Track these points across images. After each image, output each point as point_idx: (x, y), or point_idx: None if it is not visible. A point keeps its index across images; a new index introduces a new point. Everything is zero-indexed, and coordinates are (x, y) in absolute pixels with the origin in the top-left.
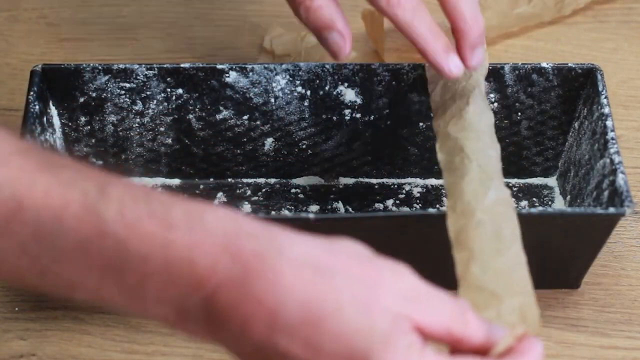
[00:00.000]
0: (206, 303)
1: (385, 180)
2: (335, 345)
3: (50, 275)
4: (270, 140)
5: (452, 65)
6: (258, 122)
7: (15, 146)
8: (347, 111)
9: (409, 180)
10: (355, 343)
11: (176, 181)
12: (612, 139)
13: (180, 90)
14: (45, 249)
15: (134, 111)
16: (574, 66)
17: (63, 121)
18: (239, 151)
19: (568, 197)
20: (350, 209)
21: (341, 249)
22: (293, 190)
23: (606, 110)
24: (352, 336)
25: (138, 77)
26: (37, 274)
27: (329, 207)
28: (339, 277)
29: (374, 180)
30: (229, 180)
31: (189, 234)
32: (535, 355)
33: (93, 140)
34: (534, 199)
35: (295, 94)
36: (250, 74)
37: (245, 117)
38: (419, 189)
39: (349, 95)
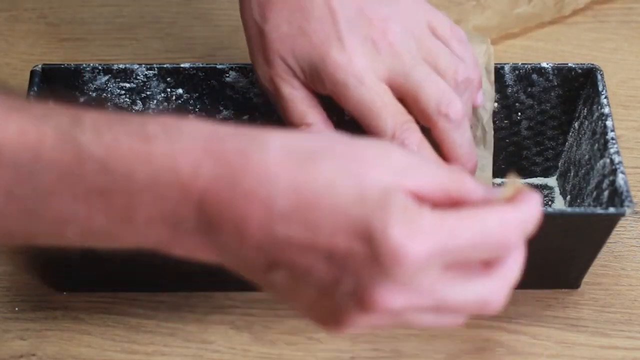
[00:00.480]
0: (197, 210)
1: None
2: (333, 221)
3: (38, 218)
4: None
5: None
6: (258, 122)
7: None
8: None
9: None
10: (352, 214)
11: None
12: (612, 139)
13: (180, 90)
14: (29, 189)
15: (134, 111)
16: (574, 66)
17: None
18: None
19: (568, 197)
20: None
21: (322, 135)
22: None
23: (606, 110)
24: (348, 209)
25: (138, 77)
26: (26, 219)
27: None
28: (325, 158)
29: None
30: None
31: (168, 143)
32: (537, 201)
33: None
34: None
35: None
36: (250, 74)
37: (245, 117)
38: None
39: None
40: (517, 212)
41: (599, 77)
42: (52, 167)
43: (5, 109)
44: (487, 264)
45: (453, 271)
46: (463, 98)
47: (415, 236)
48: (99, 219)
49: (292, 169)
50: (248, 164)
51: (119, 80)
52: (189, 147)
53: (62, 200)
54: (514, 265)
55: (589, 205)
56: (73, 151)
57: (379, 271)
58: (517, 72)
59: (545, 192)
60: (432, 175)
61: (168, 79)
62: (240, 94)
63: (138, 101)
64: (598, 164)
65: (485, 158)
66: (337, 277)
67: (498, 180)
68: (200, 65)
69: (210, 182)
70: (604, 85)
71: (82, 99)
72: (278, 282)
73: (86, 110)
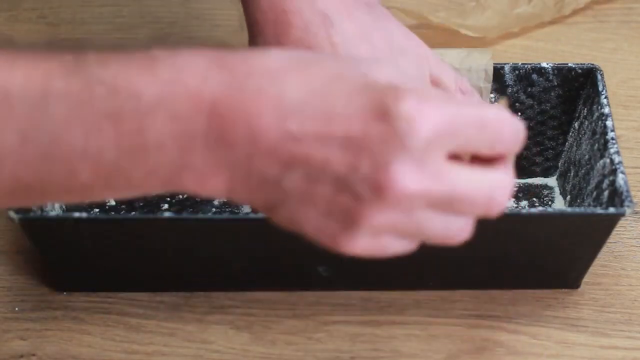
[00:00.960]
0: (208, 121)
1: None
2: (346, 106)
3: (52, 160)
4: None
5: None
6: None
7: None
8: None
9: None
10: (365, 97)
11: None
12: (612, 139)
13: None
14: (41, 125)
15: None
16: (574, 66)
17: None
18: None
19: (568, 197)
20: None
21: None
22: None
23: (606, 110)
24: (359, 93)
25: None
26: (40, 162)
27: None
28: (328, 61)
29: None
30: None
31: (173, 60)
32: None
33: None
34: (534, 199)
35: None
36: None
37: None
38: None
39: None
40: (509, 115)
41: (599, 77)
42: (62, 98)
43: (11, 56)
44: (488, 161)
45: (461, 162)
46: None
47: (427, 106)
48: (110, 152)
49: (296, 68)
50: (253, 67)
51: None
52: (194, 60)
53: (74, 133)
54: (511, 167)
55: (589, 205)
56: (81, 78)
57: (395, 145)
58: (517, 72)
59: (545, 192)
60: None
61: None
62: None
63: None
64: (598, 164)
65: None
66: (354, 164)
67: None
68: None
69: (219, 89)
70: (604, 85)
71: None
72: (291, 189)
73: (87, 49)
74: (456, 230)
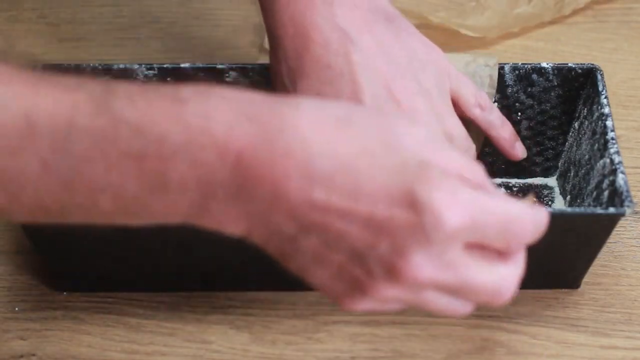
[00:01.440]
0: (233, 172)
1: None
2: (375, 187)
3: (73, 189)
4: None
5: (519, 150)
6: None
7: (13, 68)
8: None
9: None
10: (395, 181)
11: None
12: (612, 139)
13: None
14: (65, 157)
15: None
16: (574, 66)
17: None
18: None
19: (568, 197)
20: None
21: (352, 103)
22: None
23: (606, 110)
24: (390, 175)
25: (138, 77)
26: (60, 190)
27: None
28: (360, 124)
29: None
30: None
31: (202, 106)
32: (547, 214)
33: None
34: (534, 199)
35: None
36: (250, 73)
37: None
38: None
39: None
40: (534, 210)
41: (599, 77)
42: (87, 134)
43: (35, 81)
44: (501, 254)
45: (475, 252)
46: None
47: (456, 205)
48: (131, 187)
49: (327, 130)
50: (283, 124)
51: (119, 80)
52: (222, 108)
53: (96, 168)
54: (522, 260)
55: (589, 205)
56: (107, 116)
57: (419, 236)
58: (517, 72)
59: (545, 192)
60: (458, 155)
61: (168, 79)
62: None
63: None
64: (598, 164)
65: None
66: (373, 243)
67: (498, 181)
68: (200, 65)
69: (246, 142)
70: (604, 85)
71: None
72: (305, 249)
73: (116, 81)
74: (457, 308)
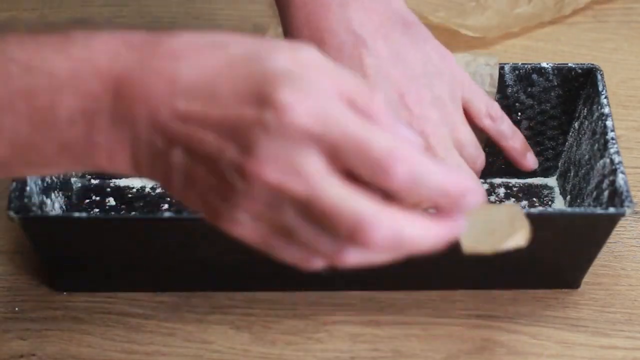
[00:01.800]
0: (114, 97)
1: None
2: (229, 91)
3: None
4: None
5: (530, 161)
6: None
7: None
8: None
9: None
10: (248, 83)
11: None
12: (612, 139)
13: None
14: None
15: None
16: (574, 66)
17: None
18: None
19: (568, 197)
20: None
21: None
22: None
23: (606, 110)
24: (245, 79)
25: None
26: None
27: None
28: (236, 45)
29: None
30: None
31: (87, 40)
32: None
33: None
34: (534, 199)
35: None
36: None
37: None
38: None
39: None
40: (418, 157)
41: (599, 77)
42: None
43: None
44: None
45: (343, 178)
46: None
47: (307, 106)
48: (24, 128)
49: (200, 50)
50: (159, 48)
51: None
52: (106, 40)
53: None
54: (408, 216)
55: (589, 205)
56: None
57: (260, 130)
58: (517, 72)
59: (545, 192)
60: (352, 79)
61: None
62: None
63: None
64: (598, 164)
65: None
66: (225, 146)
67: (498, 181)
68: None
69: (125, 67)
70: (604, 85)
71: None
72: (177, 166)
73: (8, 30)
74: (326, 250)
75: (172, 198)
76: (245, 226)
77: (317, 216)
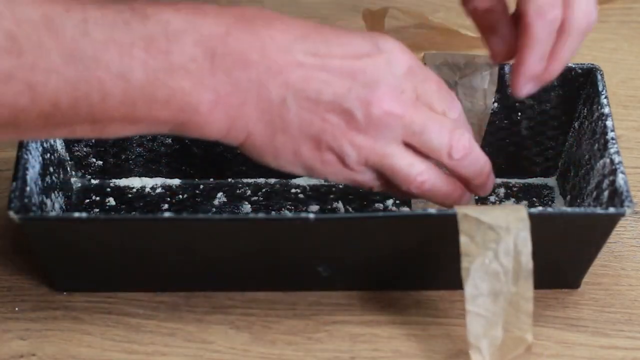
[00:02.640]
0: (227, 44)
1: None
2: (343, 39)
3: (89, 80)
4: None
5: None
6: None
7: None
8: None
9: None
10: (356, 36)
11: (176, 181)
12: (612, 138)
13: None
14: (84, 48)
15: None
16: (574, 66)
17: None
18: (239, 151)
19: (568, 197)
20: (350, 209)
21: None
22: (293, 190)
23: (606, 110)
24: (351, 34)
25: None
26: (78, 82)
27: (329, 207)
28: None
29: None
30: (229, 180)
31: (192, 2)
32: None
33: (93, 140)
34: (534, 199)
35: None
36: None
37: None
38: None
39: None
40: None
41: (599, 77)
42: (100, 24)
43: None
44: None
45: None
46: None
47: (404, 49)
48: (138, 73)
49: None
50: (261, 10)
51: None
52: (208, 3)
53: (110, 55)
54: (468, 131)
55: (589, 205)
56: (114, 8)
57: (383, 70)
58: None
59: (545, 192)
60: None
61: None
62: None
63: None
64: (598, 164)
65: None
66: (349, 86)
67: (498, 181)
68: None
69: (234, 20)
70: (604, 85)
71: None
72: (293, 112)
73: None
74: (418, 171)
75: (265, 154)
76: (350, 162)
77: (423, 137)
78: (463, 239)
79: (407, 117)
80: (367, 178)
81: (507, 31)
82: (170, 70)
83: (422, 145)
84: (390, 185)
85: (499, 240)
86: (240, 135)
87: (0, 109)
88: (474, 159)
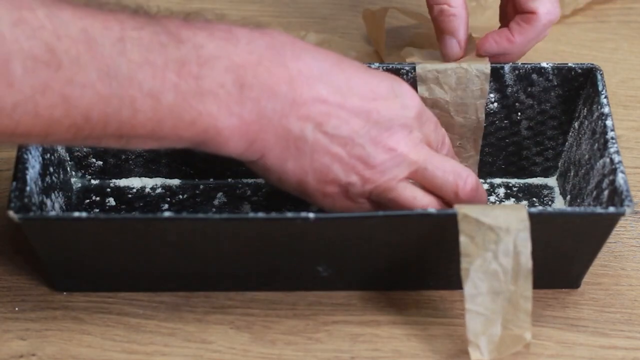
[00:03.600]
0: (256, 74)
1: None
2: (361, 81)
3: (121, 95)
4: None
5: None
6: None
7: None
8: None
9: None
10: (375, 79)
11: (176, 181)
12: (612, 138)
13: None
14: (119, 66)
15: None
16: (574, 66)
17: None
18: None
19: (568, 197)
20: None
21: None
22: None
23: (606, 110)
24: (370, 75)
25: None
26: (111, 98)
27: None
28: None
29: None
30: (229, 180)
31: (226, 26)
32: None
33: None
34: (534, 199)
35: None
36: None
37: None
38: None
39: None
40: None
41: (599, 77)
42: (136, 44)
43: (83, 7)
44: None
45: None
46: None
47: (415, 95)
48: (169, 94)
49: (321, 57)
50: (289, 38)
51: None
52: (240, 27)
53: (145, 74)
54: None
55: (589, 205)
56: (151, 29)
57: (398, 114)
58: (517, 72)
59: (545, 192)
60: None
61: None
62: None
63: None
64: (598, 164)
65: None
66: (363, 125)
67: (498, 181)
68: None
69: (264, 50)
70: (603, 85)
71: None
72: (310, 144)
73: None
74: (421, 204)
75: (271, 176)
76: (352, 194)
77: (428, 175)
78: (463, 240)
79: (414, 155)
80: (364, 209)
81: (464, 36)
82: (199, 94)
83: (428, 181)
84: None
85: (498, 241)
86: (255, 155)
87: (34, 120)
88: (480, 198)
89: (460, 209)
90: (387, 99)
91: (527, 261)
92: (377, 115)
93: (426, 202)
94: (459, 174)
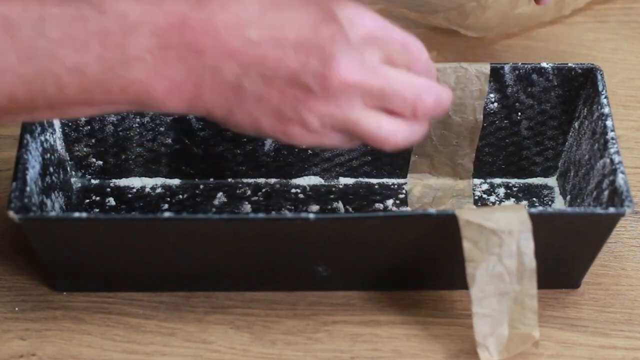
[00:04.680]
0: (182, 34)
1: (385, 180)
2: (297, 16)
3: (44, 76)
4: (270, 140)
5: None
6: None
7: None
8: None
9: (409, 180)
10: (312, 8)
11: (176, 181)
12: (612, 138)
13: None
14: (39, 46)
15: (133, 111)
16: (574, 66)
17: (63, 121)
18: (239, 151)
19: (568, 197)
20: (350, 209)
21: None
22: (293, 190)
23: (606, 110)
24: (307, 5)
25: None
26: (34, 78)
27: (329, 207)
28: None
29: (374, 180)
30: (229, 180)
31: None
32: None
33: (93, 140)
34: (534, 199)
35: None
36: None
37: None
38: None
39: None
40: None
41: (599, 77)
42: (56, 21)
43: None
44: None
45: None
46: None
47: (364, 14)
48: (94, 66)
49: None
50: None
51: None
52: None
53: (68, 50)
54: (433, 82)
55: (589, 205)
56: (72, 4)
57: (340, 41)
58: (517, 72)
59: (545, 192)
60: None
61: None
62: None
63: None
64: (598, 164)
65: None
66: (305, 60)
67: (498, 181)
68: None
69: (189, 8)
70: (604, 85)
71: None
72: (250, 91)
73: None
74: (388, 130)
75: (228, 125)
76: (313, 137)
77: (386, 100)
78: (466, 245)
79: (366, 84)
80: (336, 140)
81: None
82: (125, 62)
83: (386, 107)
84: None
85: (502, 244)
86: (202, 111)
87: None
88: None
89: (462, 215)
90: (328, 26)
91: (530, 261)
92: (317, 49)
93: (392, 128)
94: (417, 93)
